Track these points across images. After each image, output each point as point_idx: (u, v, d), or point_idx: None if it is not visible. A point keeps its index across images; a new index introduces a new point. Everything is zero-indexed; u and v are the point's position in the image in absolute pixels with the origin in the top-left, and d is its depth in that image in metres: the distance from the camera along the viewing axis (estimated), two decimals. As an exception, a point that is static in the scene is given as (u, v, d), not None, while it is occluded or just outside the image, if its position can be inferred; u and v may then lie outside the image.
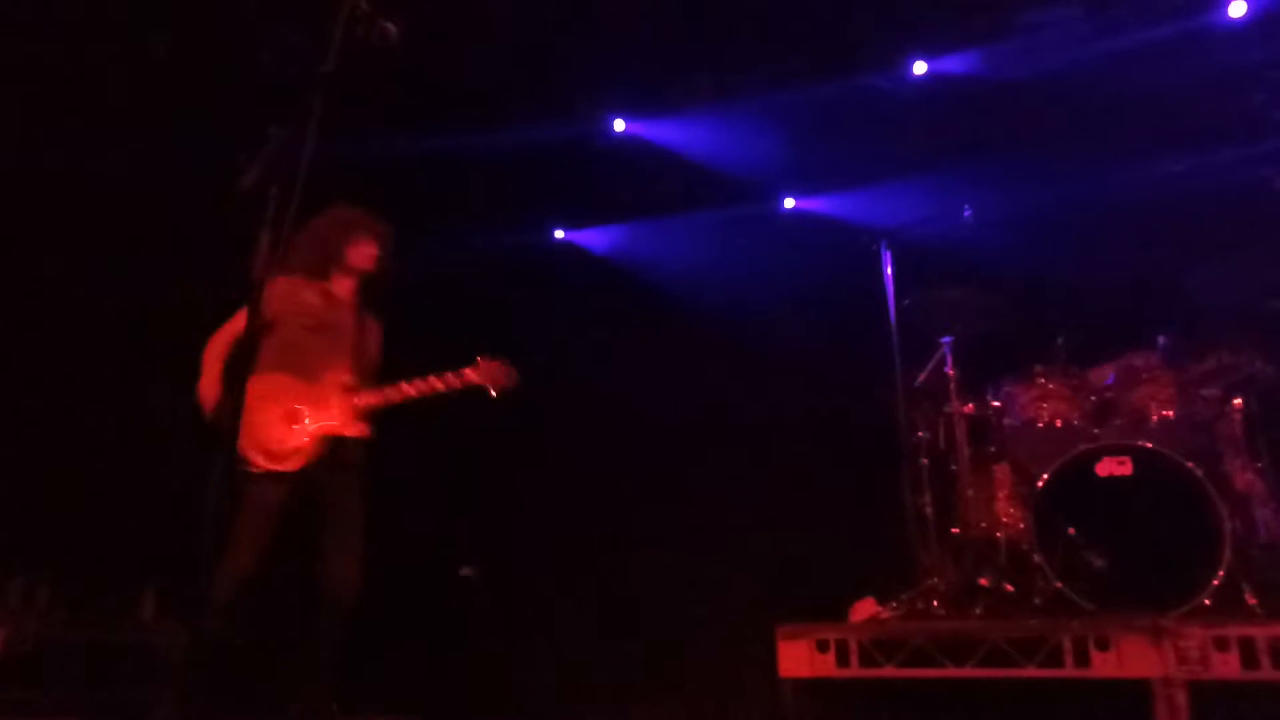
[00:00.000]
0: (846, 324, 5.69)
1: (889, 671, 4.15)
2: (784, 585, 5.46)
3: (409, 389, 4.20)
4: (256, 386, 3.98)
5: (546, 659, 5.92)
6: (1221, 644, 3.72)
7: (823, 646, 4.25)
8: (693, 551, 5.95)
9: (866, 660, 4.19)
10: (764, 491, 5.99)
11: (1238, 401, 4.60)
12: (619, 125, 6.59)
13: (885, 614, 4.59)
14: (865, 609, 4.63)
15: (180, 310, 5.33)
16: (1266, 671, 3.66)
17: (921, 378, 5.17)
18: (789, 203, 6.63)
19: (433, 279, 5.41)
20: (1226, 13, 5.47)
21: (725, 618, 5.61)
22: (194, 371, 4.17)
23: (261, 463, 4.01)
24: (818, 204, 6.55)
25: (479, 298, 6.24)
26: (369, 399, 4.21)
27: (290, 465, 4.05)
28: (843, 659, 4.22)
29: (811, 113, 6.05)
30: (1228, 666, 3.70)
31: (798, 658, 4.27)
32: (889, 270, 5.15)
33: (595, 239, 7.19)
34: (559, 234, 7.21)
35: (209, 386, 4.13)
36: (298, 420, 4.11)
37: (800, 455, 6.01)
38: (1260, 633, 3.73)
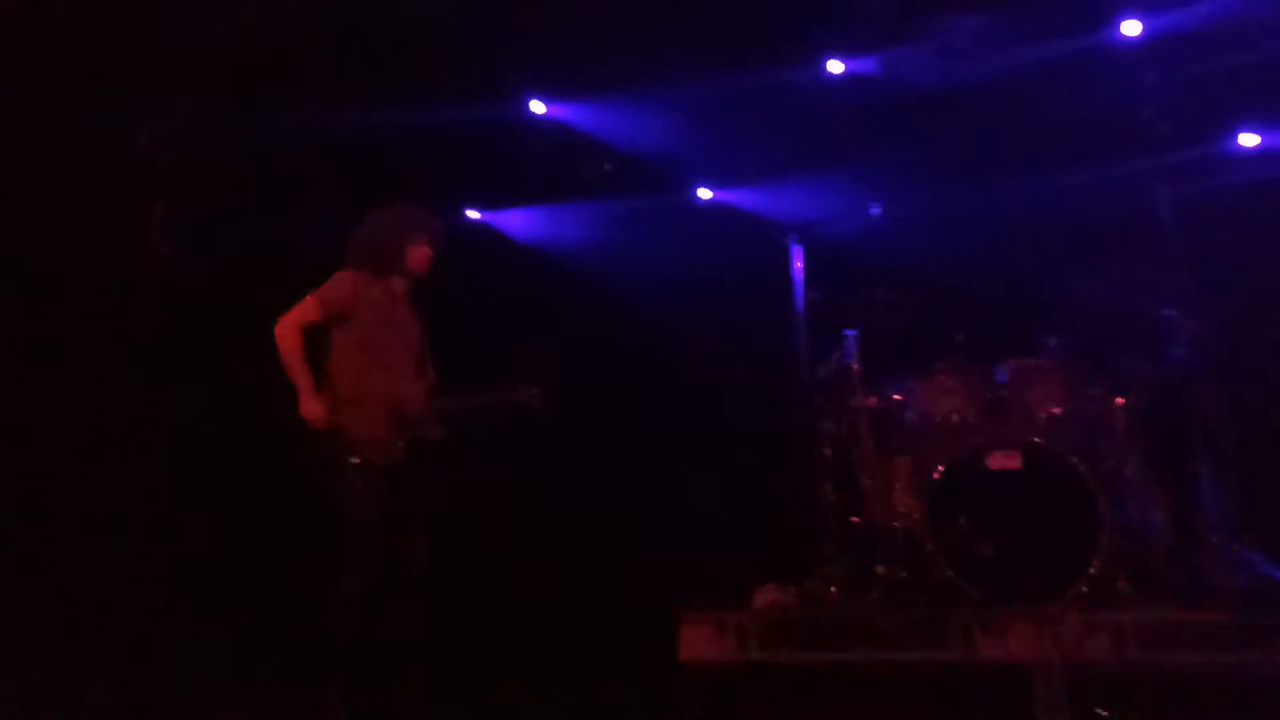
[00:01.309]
0: (756, 316, 5.79)
1: (786, 655, 4.27)
2: (687, 570, 5.53)
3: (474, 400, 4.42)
4: (367, 381, 4.15)
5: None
6: (1095, 629, 3.96)
7: (723, 630, 4.35)
8: (596, 535, 5.97)
9: (765, 644, 4.30)
10: (671, 477, 6.05)
11: (1120, 400, 4.87)
12: (537, 107, 6.54)
13: (786, 600, 4.71)
14: (767, 595, 4.75)
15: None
16: (1134, 653, 3.91)
17: (827, 371, 5.30)
18: (704, 194, 6.68)
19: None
20: (1120, 31, 5.74)
21: (629, 601, 5.66)
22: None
23: (369, 455, 4.08)
24: (732, 196, 6.62)
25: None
26: (444, 403, 4.37)
27: (388, 458, 4.15)
28: (742, 642, 4.32)
29: (728, 106, 6.11)
30: (1100, 650, 3.94)
31: (698, 641, 4.35)
32: (799, 264, 5.27)
33: (509, 221, 7.12)
34: (472, 214, 7.13)
35: (312, 394, 4.10)
36: (400, 415, 4.21)
37: (707, 443, 6.09)
38: (1129, 618, 3.98)
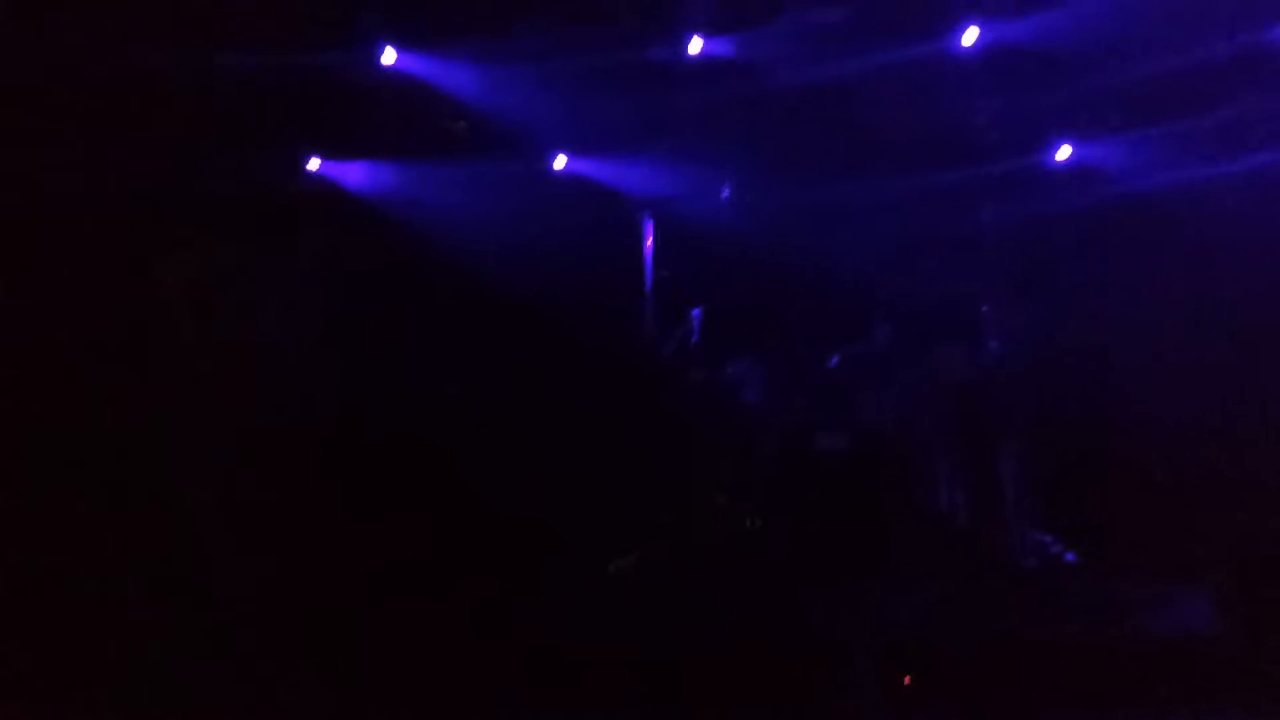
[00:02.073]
0: (604, 288, 5.80)
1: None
2: (518, 532, 5.50)
3: None
4: None
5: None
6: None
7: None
8: (421, 496, 5.84)
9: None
10: (502, 445, 6.00)
11: (944, 389, 5.22)
12: (389, 56, 6.26)
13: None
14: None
15: None
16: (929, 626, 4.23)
17: (670, 345, 5.41)
18: (560, 161, 6.61)
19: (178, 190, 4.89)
20: (960, 40, 6.03)
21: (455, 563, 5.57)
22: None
23: None
24: (588, 167, 6.56)
25: (227, 219, 5.76)
26: None
27: None
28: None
29: (590, 75, 6.05)
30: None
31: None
32: (649, 240, 5.33)
33: (350, 173, 6.80)
34: (314, 164, 6.77)
35: None
36: None
37: (545, 412, 6.08)
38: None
